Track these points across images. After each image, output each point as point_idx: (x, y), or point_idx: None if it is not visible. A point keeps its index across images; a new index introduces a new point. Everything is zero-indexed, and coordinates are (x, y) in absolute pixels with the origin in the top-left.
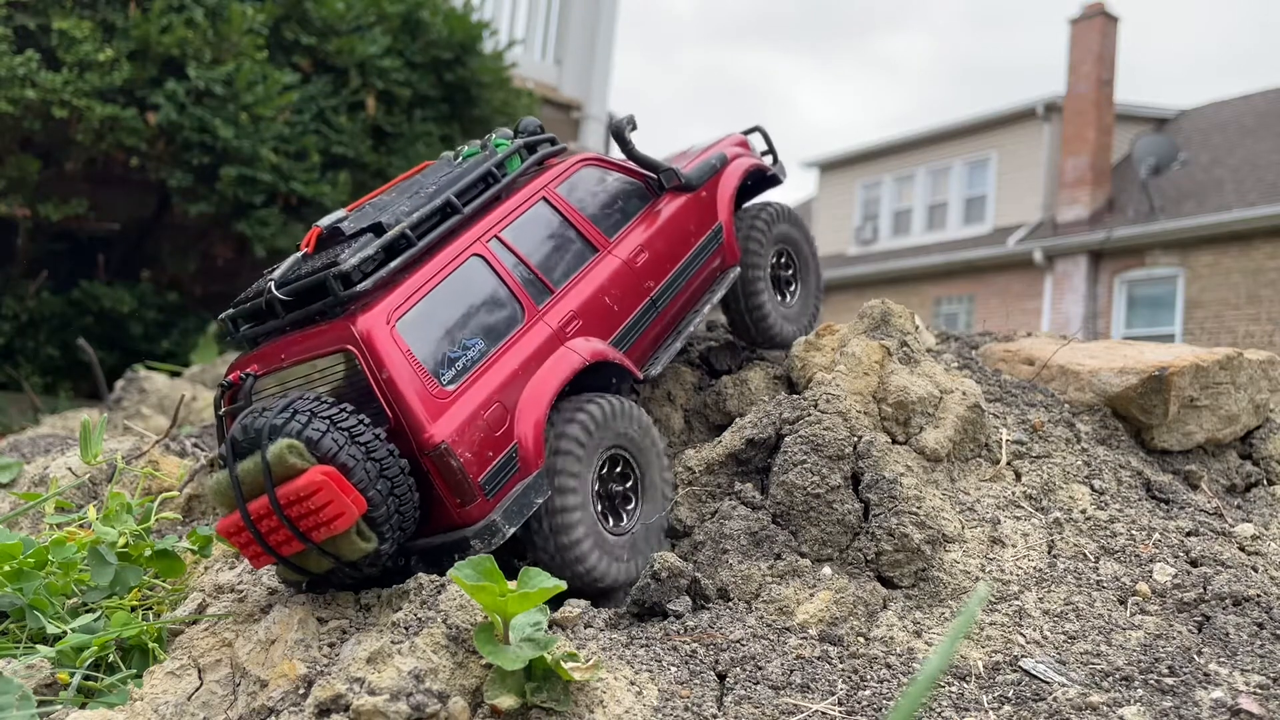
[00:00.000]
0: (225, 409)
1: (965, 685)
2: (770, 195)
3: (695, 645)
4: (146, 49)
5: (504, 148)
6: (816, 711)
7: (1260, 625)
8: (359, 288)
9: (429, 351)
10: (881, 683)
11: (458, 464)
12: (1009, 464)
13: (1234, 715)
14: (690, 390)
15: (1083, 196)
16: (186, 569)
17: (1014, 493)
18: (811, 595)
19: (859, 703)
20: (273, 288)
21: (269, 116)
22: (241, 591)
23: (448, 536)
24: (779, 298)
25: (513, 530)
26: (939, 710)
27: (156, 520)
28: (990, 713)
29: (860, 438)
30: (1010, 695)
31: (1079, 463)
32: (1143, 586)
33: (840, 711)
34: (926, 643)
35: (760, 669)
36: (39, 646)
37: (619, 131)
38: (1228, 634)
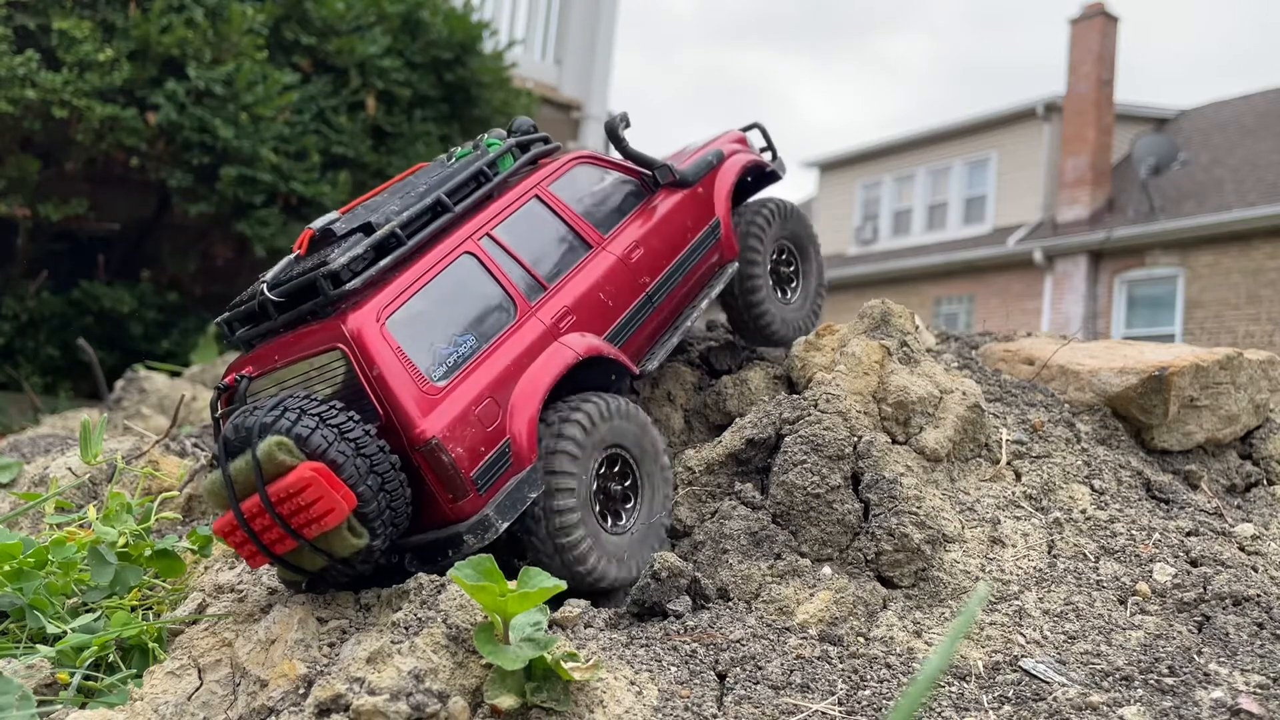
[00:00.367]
0: (221, 411)
1: (965, 685)
2: (772, 192)
3: (695, 645)
4: (146, 49)
5: (496, 147)
6: (816, 711)
7: (1260, 625)
8: (348, 286)
9: (420, 348)
10: (881, 683)
11: (449, 459)
12: (1009, 464)
13: (1234, 715)
14: (690, 390)
15: (1083, 196)
16: (186, 569)
17: (1014, 493)
18: (811, 595)
19: (859, 703)
20: (265, 289)
21: (269, 116)
22: (241, 591)
23: (441, 532)
24: (780, 295)
25: (506, 525)
26: (939, 710)
27: (156, 520)
28: (990, 713)
29: (860, 438)
30: (1010, 695)
31: (1079, 463)
32: (1143, 586)
33: (840, 711)
34: (926, 643)
35: (760, 669)
36: (39, 646)
37: (613, 129)
38: (1228, 634)
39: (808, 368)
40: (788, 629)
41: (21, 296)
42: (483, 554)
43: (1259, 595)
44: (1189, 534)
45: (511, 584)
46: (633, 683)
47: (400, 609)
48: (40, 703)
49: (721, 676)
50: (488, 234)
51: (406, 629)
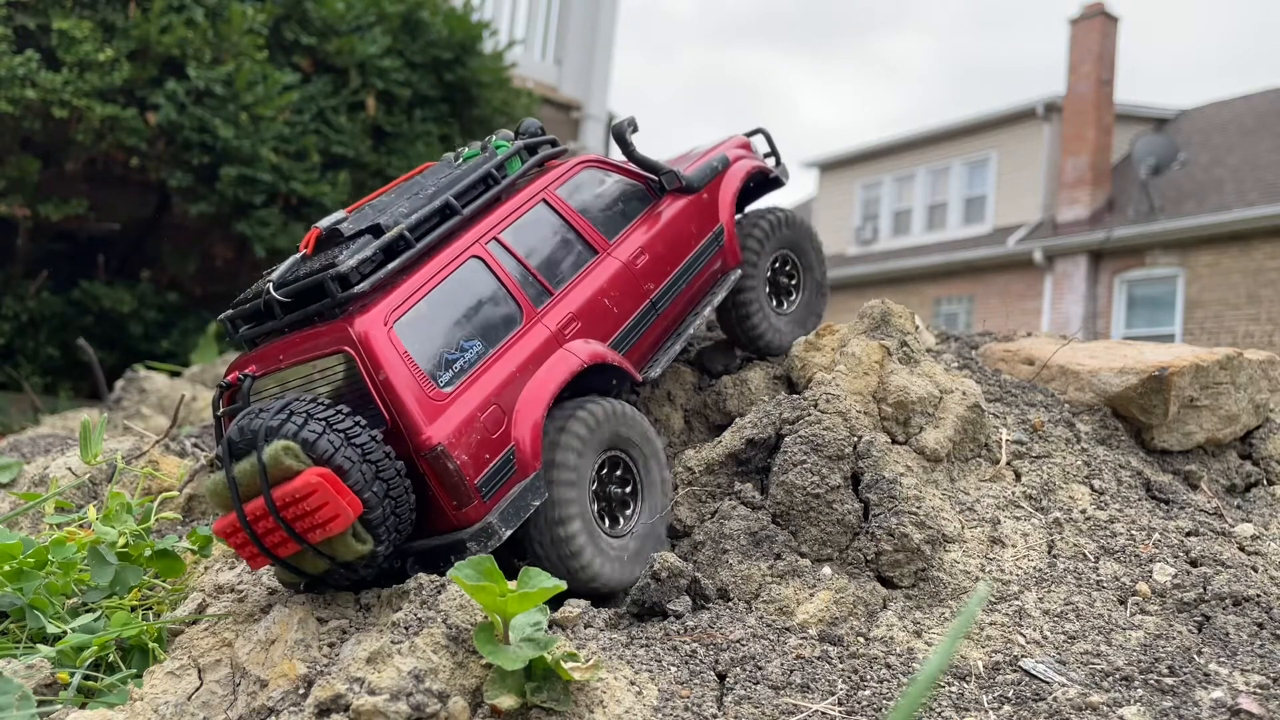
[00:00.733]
0: (223, 409)
1: (965, 685)
2: (773, 197)
3: (695, 645)
4: (146, 49)
5: (504, 149)
6: (816, 711)
7: (1260, 625)
8: (357, 289)
9: (426, 353)
10: (881, 683)
11: (454, 466)
12: (1009, 464)
13: (1234, 715)
14: (690, 390)
15: (1083, 196)
16: (186, 569)
17: (1014, 493)
18: (811, 595)
19: (859, 703)
20: (271, 289)
21: (269, 116)
22: (241, 591)
23: (444, 538)
24: (778, 304)
25: (510, 532)
26: (939, 710)
27: (156, 520)
28: (990, 713)
29: (860, 438)
30: (1010, 695)
31: (1079, 463)
32: (1143, 586)
33: (840, 711)
34: (926, 643)
35: (760, 669)
36: (39, 646)
37: (620, 133)
38: (1228, 634)
39: (808, 368)
40: (788, 629)
41: (21, 296)
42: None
43: (1259, 595)
44: (1189, 534)
45: (511, 584)
46: (633, 683)
47: (400, 609)
48: (40, 703)
49: (721, 676)
50: (495, 238)
51: (406, 629)
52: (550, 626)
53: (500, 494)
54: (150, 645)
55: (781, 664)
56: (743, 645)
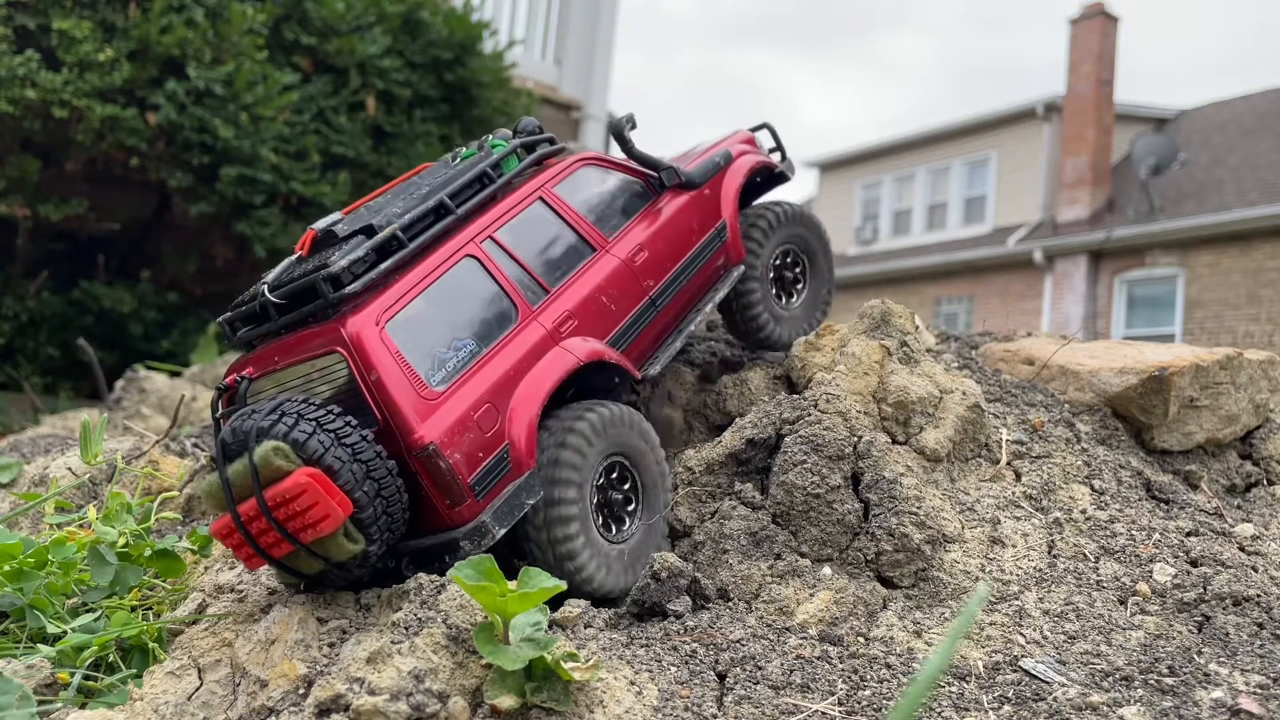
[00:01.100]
0: (222, 411)
1: (965, 685)
2: (781, 193)
3: (695, 645)
4: (146, 49)
5: (500, 148)
6: (816, 711)
7: (1260, 625)
8: (349, 289)
9: (419, 353)
10: (881, 683)
11: (446, 465)
12: (1009, 464)
13: (1234, 715)
14: (690, 390)
15: (1083, 196)
16: (186, 569)
17: (1014, 493)
18: (811, 595)
19: (859, 703)
20: (266, 291)
21: (269, 116)
22: (241, 591)
23: (438, 537)
24: (782, 299)
25: (503, 531)
26: (939, 710)
27: (156, 520)
28: (990, 713)
29: (860, 438)
30: (1010, 695)
31: (1079, 463)
32: (1143, 586)
33: (840, 711)
34: (926, 643)
35: (760, 669)
36: (39, 646)
37: (619, 130)
38: (1228, 634)
39: (808, 368)
40: (788, 629)
41: (21, 296)
42: (482, 554)
43: (1259, 595)
44: (1189, 534)
45: (511, 584)
46: (633, 683)
47: (400, 609)
48: (40, 703)
49: (721, 676)
50: (490, 236)
51: (406, 629)
52: (550, 626)
53: (494, 493)
54: (150, 645)
55: (781, 664)
56: (743, 645)
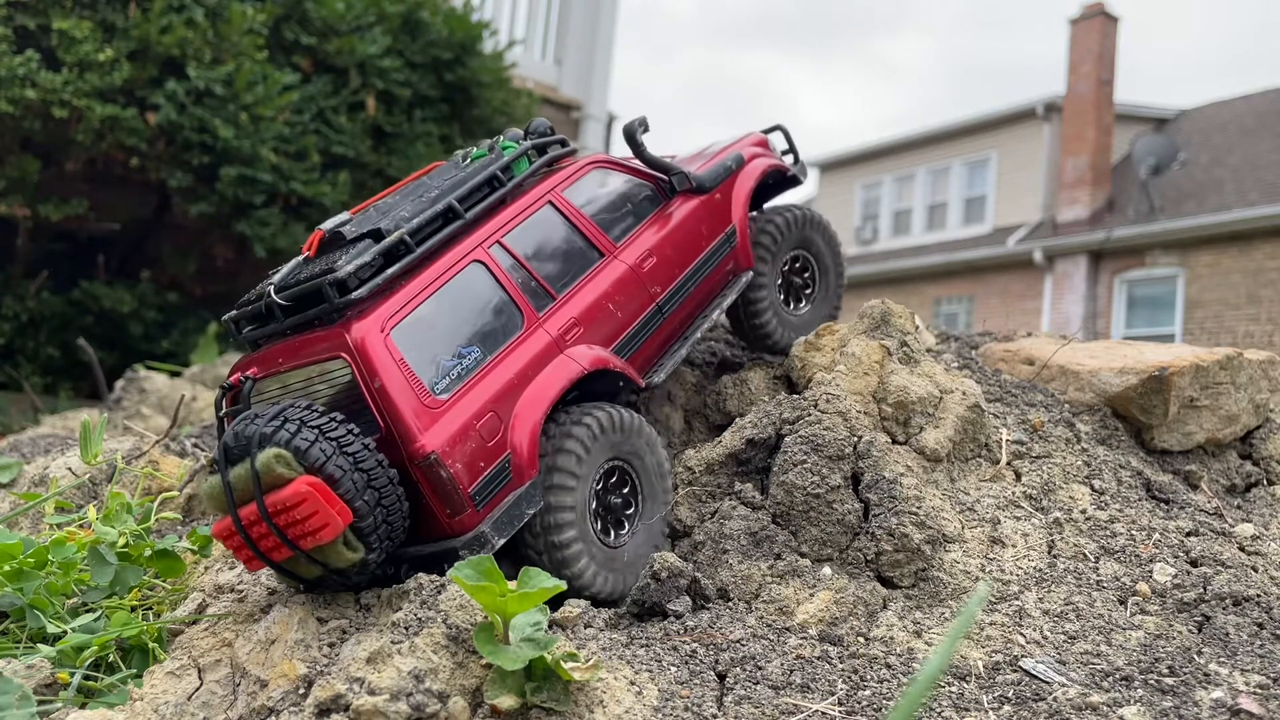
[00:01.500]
0: (225, 411)
1: (965, 685)
2: (791, 196)
3: (695, 645)
4: (146, 49)
5: (511, 150)
6: (816, 711)
7: (1260, 625)
8: (355, 295)
9: (423, 360)
10: (881, 683)
11: (447, 475)
12: (1009, 464)
13: (1234, 715)
14: (690, 390)
15: (1083, 196)
16: (186, 569)
17: (1014, 493)
18: (811, 595)
19: (859, 703)
20: (271, 292)
21: (269, 116)
22: (241, 591)
23: (438, 545)
24: (790, 304)
25: (503, 541)
26: (939, 710)
27: (156, 520)
28: (990, 713)
29: (860, 438)
30: (1010, 695)
31: (1079, 463)
32: (1143, 586)
33: (840, 711)
34: (926, 643)
35: (760, 669)
36: (39, 646)
37: (631, 134)
38: (1228, 634)
39: (808, 368)
40: (788, 629)
41: (21, 296)
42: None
43: (1259, 595)
44: (1189, 534)
45: (511, 584)
46: (633, 683)
47: (400, 609)
48: (40, 703)
49: (721, 676)
50: (498, 241)
51: (406, 629)
52: (550, 626)
53: (495, 502)
54: (150, 645)
55: (781, 664)
56: (743, 645)
